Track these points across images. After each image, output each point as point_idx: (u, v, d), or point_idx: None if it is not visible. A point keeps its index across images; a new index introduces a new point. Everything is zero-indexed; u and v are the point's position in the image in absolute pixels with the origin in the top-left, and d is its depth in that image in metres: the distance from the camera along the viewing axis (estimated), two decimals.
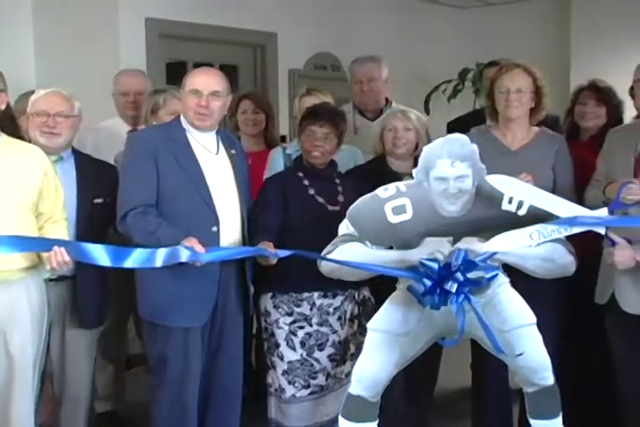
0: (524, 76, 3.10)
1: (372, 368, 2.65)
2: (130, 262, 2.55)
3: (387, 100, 4.06)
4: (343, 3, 5.78)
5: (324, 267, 2.71)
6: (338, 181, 3.18)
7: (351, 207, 2.72)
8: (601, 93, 3.45)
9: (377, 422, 2.73)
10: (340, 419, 2.71)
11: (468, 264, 2.50)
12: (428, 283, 2.49)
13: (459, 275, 2.47)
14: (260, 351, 3.38)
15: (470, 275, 2.50)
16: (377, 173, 3.22)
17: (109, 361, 3.67)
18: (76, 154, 3.14)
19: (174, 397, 2.93)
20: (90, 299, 3.05)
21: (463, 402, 3.73)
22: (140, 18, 4.68)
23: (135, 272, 2.91)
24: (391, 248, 2.72)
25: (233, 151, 3.04)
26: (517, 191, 2.64)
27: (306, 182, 3.14)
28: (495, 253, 2.57)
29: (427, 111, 5.85)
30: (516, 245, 2.56)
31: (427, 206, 2.66)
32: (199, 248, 2.63)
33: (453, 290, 2.47)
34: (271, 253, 2.73)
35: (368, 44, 5.33)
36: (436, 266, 2.49)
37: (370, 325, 2.73)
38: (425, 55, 6.25)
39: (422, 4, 6.33)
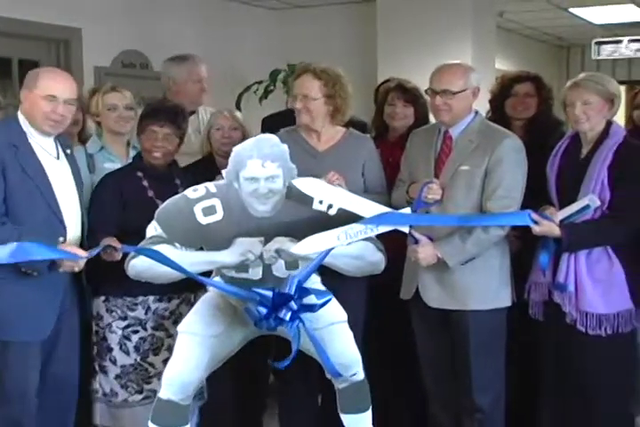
0: (313, 82, 3.07)
1: (183, 371, 2.61)
2: None
3: None
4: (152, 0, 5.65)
5: (131, 270, 2.63)
6: (178, 181, 3.09)
7: (160, 208, 2.67)
8: (408, 94, 3.57)
9: (189, 425, 2.68)
10: (150, 425, 2.64)
11: (302, 292, 2.51)
12: (263, 311, 2.48)
13: (292, 303, 2.48)
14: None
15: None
16: (206, 172, 3.16)
17: None
18: None
19: (11, 414, 2.77)
20: None
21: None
22: None
23: None
24: (202, 249, 2.68)
25: (68, 151, 2.93)
26: (325, 195, 2.66)
27: (145, 183, 3.06)
28: (323, 258, 2.60)
29: (238, 111, 5.83)
30: (324, 247, 2.58)
31: (237, 207, 2.65)
32: (81, 252, 2.56)
33: (287, 318, 2.48)
34: (118, 246, 2.67)
35: (178, 43, 5.22)
36: (270, 294, 2.48)
37: (180, 327, 2.68)
38: (236, 55, 6.22)
39: (232, 4, 6.30)
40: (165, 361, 2.99)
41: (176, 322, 3.02)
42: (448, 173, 2.96)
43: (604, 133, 2.91)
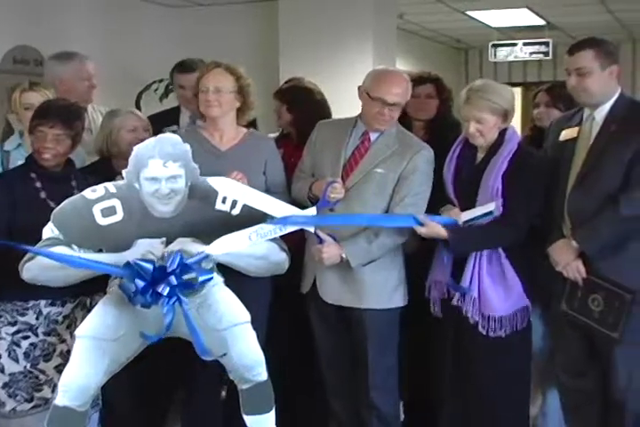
0: (225, 76, 3.07)
1: (81, 377, 2.52)
2: None
3: None
4: None
5: (26, 273, 2.55)
6: (74, 183, 3.00)
7: (56, 209, 2.59)
8: (280, 93, 3.61)
9: None
10: None
11: (183, 268, 2.48)
12: (141, 284, 2.43)
13: (172, 278, 2.45)
14: None
15: (184, 276, 2.48)
16: (102, 174, 3.06)
17: None
18: None
19: None
20: None
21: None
22: None
23: None
24: (101, 251, 2.62)
25: None
26: (234, 192, 2.64)
27: (38, 185, 2.95)
28: (209, 255, 2.57)
29: (138, 110, 5.74)
30: (237, 248, 2.57)
31: (138, 207, 2.60)
32: None
33: (165, 293, 2.44)
34: None
35: (75, 40, 5.10)
36: (150, 267, 2.44)
37: (78, 331, 2.60)
38: (136, 53, 6.12)
39: (131, 1, 6.20)
40: (58, 367, 2.94)
41: (70, 327, 2.96)
42: (360, 174, 2.99)
43: (499, 140, 2.97)
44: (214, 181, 2.63)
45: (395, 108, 2.96)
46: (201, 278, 2.52)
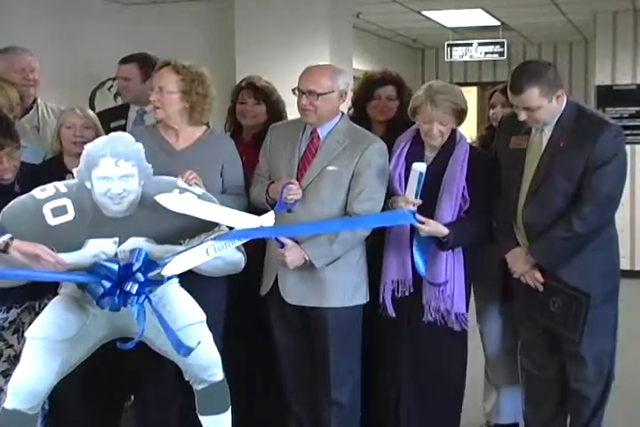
0: (170, 75, 3.01)
1: (31, 379, 2.49)
2: None
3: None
4: None
5: None
6: (17, 188, 2.92)
7: (5, 209, 2.54)
8: (258, 92, 3.57)
9: None
10: None
11: (149, 264, 2.47)
12: (108, 285, 2.41)
13: (139, 275, 2.43)
14: None
15: (150, 274, 2.48)
16: (54, 173, 3.00)
17: None
18: None
19: None
20: None
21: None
22: None
23: None
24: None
25: None
26: (183, 209, 2.59)
27: None
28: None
29: (92, 108, 5.66)
30: (196, 263, 2.55)
31: (90, 207, 2.56)
32: None
33: (134, 291, 2.42)
34: None
35: (27, 37, 5.00)
36: (116, 267, 2.42)
37: (28, 333, 2.57)
38: (89, 51, 6.04)
39: None
40: (4, 373, 2.91)
41: (17, 332, 2.93)
42: (314, 172, 2.98)
43: (452, 140, 3.01)
44: (162, 199, 2.56)
45: (312, 97, 2.93)
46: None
